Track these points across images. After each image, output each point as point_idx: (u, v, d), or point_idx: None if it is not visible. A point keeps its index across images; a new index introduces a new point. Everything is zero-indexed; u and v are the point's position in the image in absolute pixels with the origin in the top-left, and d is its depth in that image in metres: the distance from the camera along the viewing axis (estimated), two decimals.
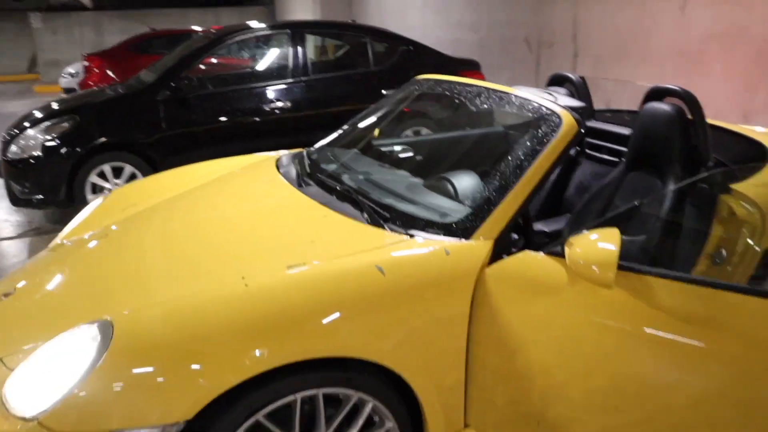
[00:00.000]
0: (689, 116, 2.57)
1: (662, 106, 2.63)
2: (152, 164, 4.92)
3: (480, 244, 1.92)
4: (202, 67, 5.28)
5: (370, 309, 1.75)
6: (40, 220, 5.30)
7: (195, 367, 1.56)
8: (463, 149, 2.85)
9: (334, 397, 1.76)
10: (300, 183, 2.48)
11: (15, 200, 4.93)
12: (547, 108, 2.25)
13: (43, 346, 1.74)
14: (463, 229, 1.97)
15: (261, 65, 5.55)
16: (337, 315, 1.71)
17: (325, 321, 1.69)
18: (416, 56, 5.72)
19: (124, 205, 2.80)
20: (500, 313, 1.85)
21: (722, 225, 2.39)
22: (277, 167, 2.75)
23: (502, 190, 2.03)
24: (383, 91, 5.45)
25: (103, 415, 1.53)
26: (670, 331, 1.72)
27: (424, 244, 1.92)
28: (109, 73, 9.82)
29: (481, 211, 2.00)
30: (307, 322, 1.68)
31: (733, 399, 1.78)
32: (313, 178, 2.51)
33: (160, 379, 1.55)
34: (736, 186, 2.48)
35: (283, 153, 3.05)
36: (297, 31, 5.30)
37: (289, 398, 1.66)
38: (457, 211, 2.09)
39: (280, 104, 5.16)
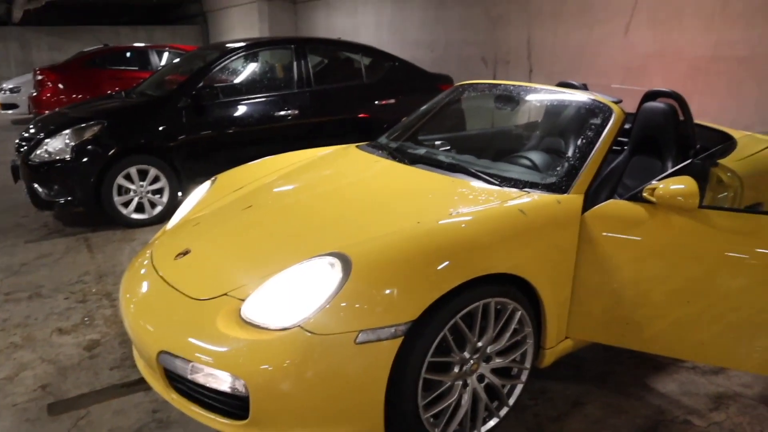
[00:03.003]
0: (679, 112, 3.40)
1: (659, 104, 3.45)
2: (173, 167, 5.30)
3: (576, 197, 2.61)
4: (215, 77, 5.69)
5: (517, 238, 2.39)
6: (56, 224, 5.50)
7: (416, 281, 2.13)
8: (525, 135, 3.54)
9: (495, 307, 2.37)
10: (405, 161, 3.08)
11: (39, 203, 5.16)
12: (600, 102, 2.99)
13: (274, 277, 2.24)
14: (561, 187, 2.66)
15: (269, 76, 6.05)
16: (497, 243, 2.34)
17: (490, 248, 2.31)
18: (401, 71, 6.41)
19: (233, 186, 3.29)
20: (598, 243, 2.54)
21: (712, 190, 3.20)
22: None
23: (583, 159, 2.74)
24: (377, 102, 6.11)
25: (352, 320, 2.04)
26: (720, 243, 2.44)
27: (540, 197, 2.59)
28: (61, 86, 9.83)
29: (570, 174, 2.70)
30: (480, 249, 2.29)
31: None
32: (410, 157, 3.12)
33: (393, 290, 2.09)
34: (721, 161, 3.32)
35: (356, 145, 3.62)
36: (299, 46, 5.86)
37: (475, 304, 2.26)
38: (548, 176, 2.78)
39: (289, 111, 5.69)
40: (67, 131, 5.06)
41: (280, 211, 2.80)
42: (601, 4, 6.51)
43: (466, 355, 2.33)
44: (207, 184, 3.41)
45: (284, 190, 3.05)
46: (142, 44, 11.59)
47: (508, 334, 2.43)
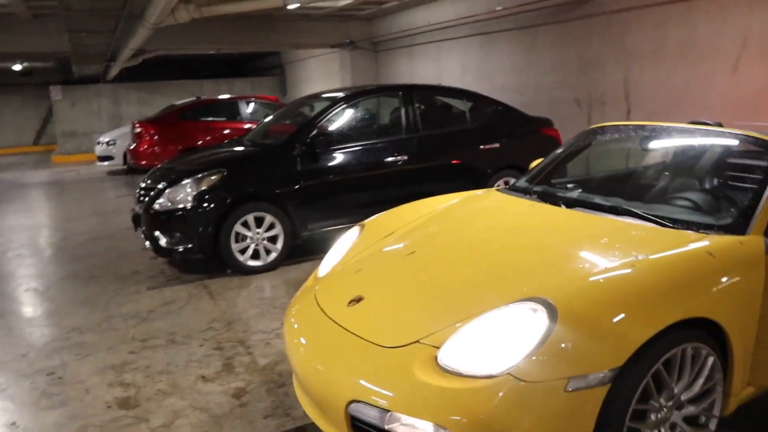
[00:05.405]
0: None
1: None
2: (287, 213, 5.39)
3: (757, 238, 2.52)
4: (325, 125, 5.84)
5: (709, 281, 2.32)
6: (172, 271, 5.66)
7: (621, 325, 2.08)
8: (673, 175, 3.43)
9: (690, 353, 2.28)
10: (561, 204, 3.03)
11: (160, 250, 5.32)
12: (762, 139, 2.91)
13: (470, 323, 2.20)
14: (739, 228, 2.57)
15: (378, 123, 6.17)
16: (692, 287, 2.27)
17: (687, 292, 2.25)
18: (504, 115, 6.44)
19: (383, 232, 3.29)
20: None
21: None
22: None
23: (756, 199, 2.65)
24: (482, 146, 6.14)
25: (561, 366, 2.00)
26: None
27: (722, 238, 2.50)
28: (157, 138, 10.28)
29: (746, 215, 2.61)
30: (678, 292, 2.23)
31: None
32: (564, 201, 3.07)
33: (599, 336, 2.06)
34: None
35: (496, 188, 3.60)
36: (407, 92, 5.97)
37: (674, 350, 2.18)
38: (722, 217, 2.69)
39: (398, 157, 5.77)
40: (188, 180, 5.24)
41: (448, 256, 2.79)
42: (705, 42, 6.41)
43: (662, 402, 2.24)
44: (355, 230, 3.44)
45: (444, 234, 3.06)
46: (229, 96, 12.04)
47: (701, 381, 2.33)
